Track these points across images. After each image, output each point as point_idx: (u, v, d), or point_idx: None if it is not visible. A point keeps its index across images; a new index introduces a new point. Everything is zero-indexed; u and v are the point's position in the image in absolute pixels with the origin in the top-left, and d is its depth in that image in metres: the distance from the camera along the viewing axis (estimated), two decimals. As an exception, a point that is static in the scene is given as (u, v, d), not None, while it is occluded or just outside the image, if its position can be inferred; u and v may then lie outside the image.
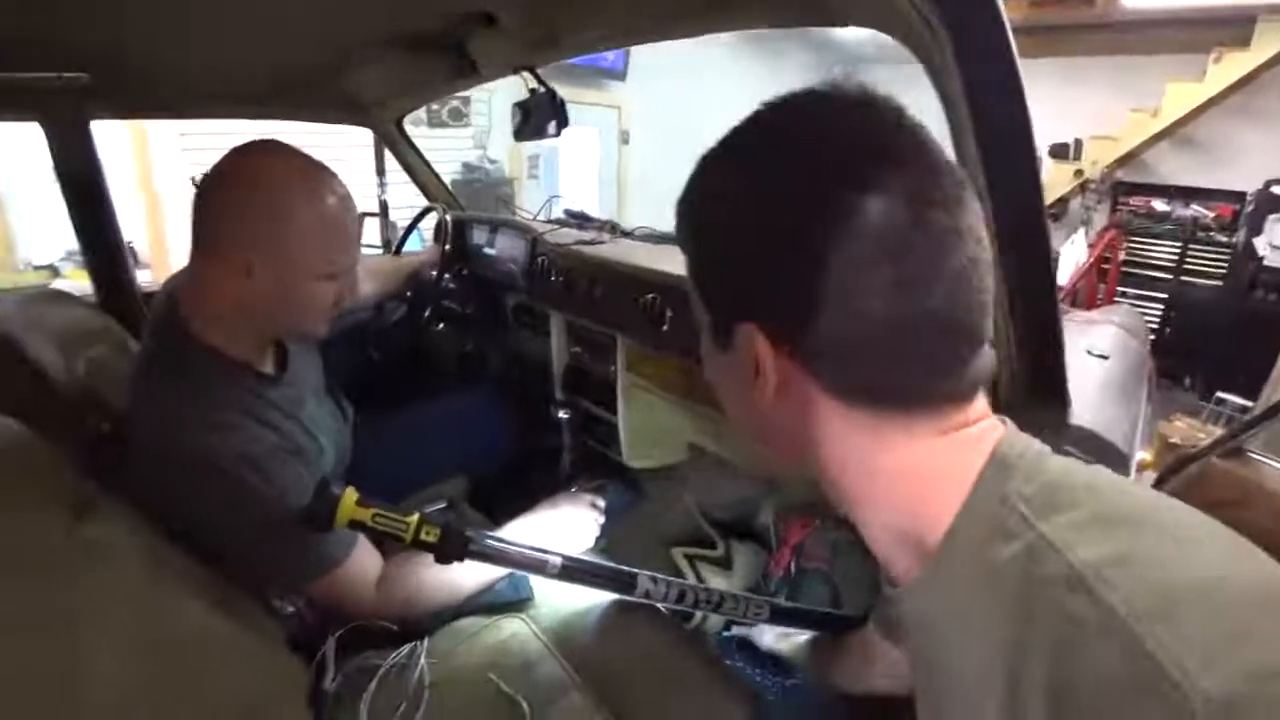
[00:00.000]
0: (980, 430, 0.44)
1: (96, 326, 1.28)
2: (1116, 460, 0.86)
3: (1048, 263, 0.71)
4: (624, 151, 6.60)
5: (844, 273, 0.39)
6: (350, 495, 0.87)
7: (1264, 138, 4.86)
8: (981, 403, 0.45)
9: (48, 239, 3.97)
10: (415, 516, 0.89)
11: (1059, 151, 5.37)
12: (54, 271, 3.93)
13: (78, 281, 3.54)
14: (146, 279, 2.33)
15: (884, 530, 0.46)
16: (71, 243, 3.94)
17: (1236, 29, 4.74)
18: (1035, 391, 0.85)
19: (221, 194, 0.91)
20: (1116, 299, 5.10)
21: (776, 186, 0.41)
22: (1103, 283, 5.03)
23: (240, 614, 0.89)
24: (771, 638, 1.14)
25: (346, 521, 0.87)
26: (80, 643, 0.64)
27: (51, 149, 1.45)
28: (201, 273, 0.94)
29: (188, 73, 1.36)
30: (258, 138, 0.94)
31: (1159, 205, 5.26)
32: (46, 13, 0.90)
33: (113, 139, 1.39)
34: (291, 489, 0.90)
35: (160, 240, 4.11)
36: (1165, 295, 5.15)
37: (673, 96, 6.11)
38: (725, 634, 1.29)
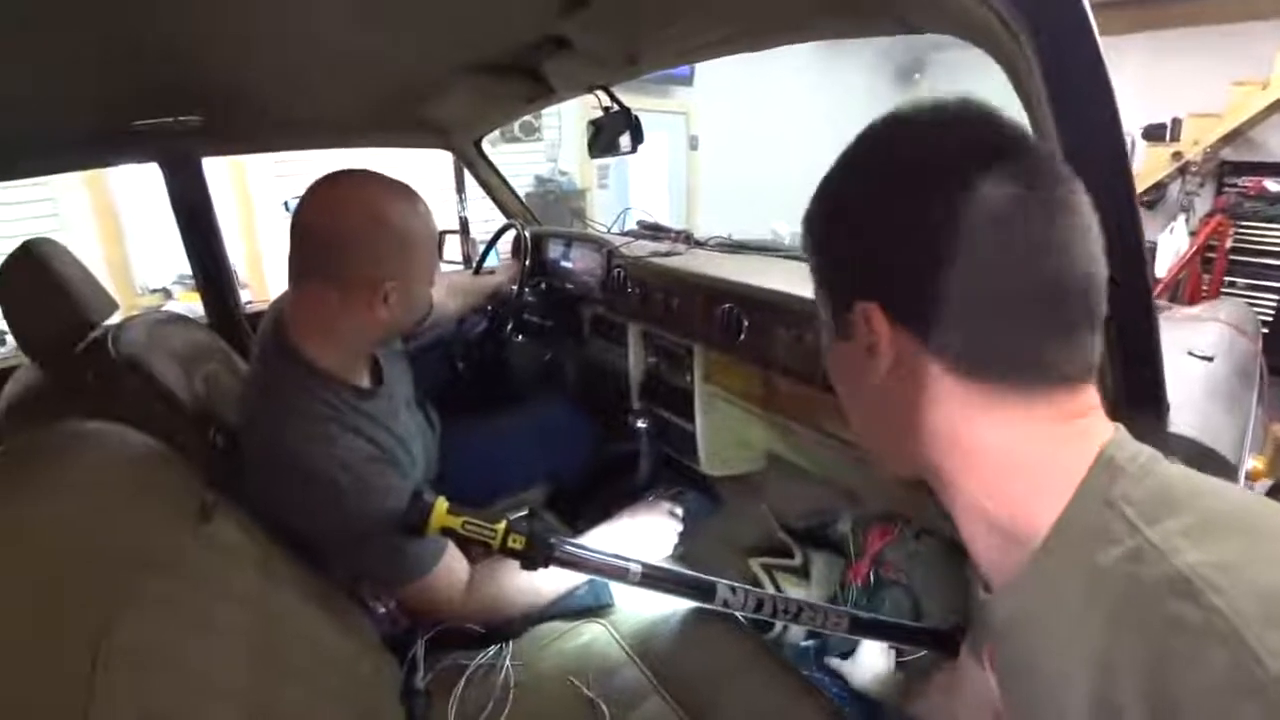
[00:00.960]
0: (1089, 424, 0.44)
1: (209, 346, 1.38)
2: (1223, 468, 0.82)
3: (1141, 261, 0.68)
4: (692, 157, 6.61)
5: (960, 242, 0.41)
6: (442, 504, 0.92)
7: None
8: (1093, 394, 0.45)
9: (160, 264, 4.31)
10: (503, 524, 0.93)
11: (1154, 133, 4.92)
12: (166, 294, 4.25)
13: (188, 302, 3.83)
14: (245, 298, 2.51)
15: (980, 524, 0.46)
16: (181, 267, 4.28)
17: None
18: (1131, 398, 0.81)
19: (338, 225, 0.94)
20: (1224, 291, 4.70)
21: (893, 172, 0.45)
22: (1208, 274, 4.65)
23: (340, 614, 0.95)
24: (863, 676, 1.12)
25: (439, 529, 0.92)
26: (204, 633, 0.70)
27: (168, 186, 1.58)
28: (320, 299, 0.97)
29: (288, 109, 1.47)
30: (343, 167, 1.00)
31: (1271, 185, 4.74)
32: (166, 64, 0.99)
33: (213, 166, 1.52)
34: (387, 495, 0.96)
35: (257, 262, 4.39)
36: (1280, 285, 4.68)
37: (739, 100, 6.09)
38: (804, 644, 1.28)
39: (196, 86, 1.17)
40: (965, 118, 0.44)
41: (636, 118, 1.34)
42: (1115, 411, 0.79)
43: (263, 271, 4.35)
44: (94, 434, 0.79)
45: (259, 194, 4.40)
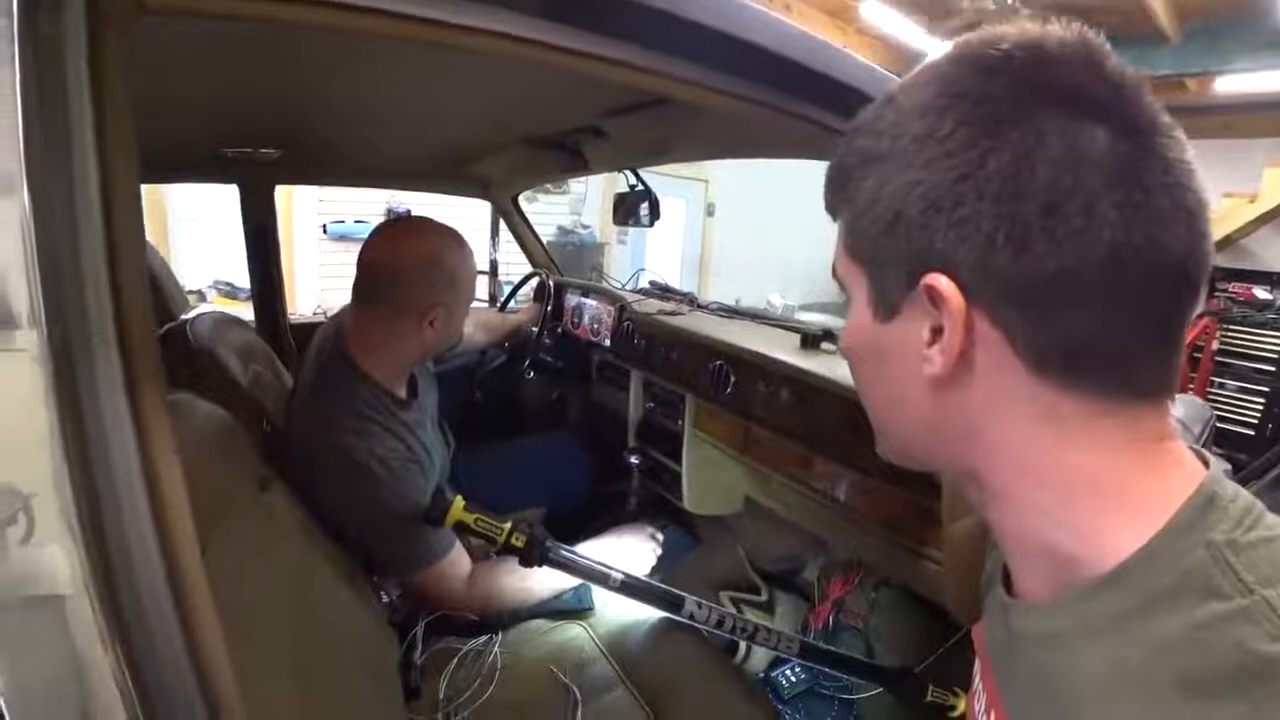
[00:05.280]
0: (1177, 452, 0.38)
1: (259, 348, 1.55)
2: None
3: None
4: (708, 223, 6.89)
5: (1055, 195, 0.34)
6: (459, 501, 1.10)
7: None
8: (1173, 421, 0.39)
9: (199, 269, 4.53)
10: (508, 524, 1.10)
11: None
12: (201, 297, 4.45)
13: (222, 306, 4.04)
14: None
15: (1030, 539, 0.40)
16: (217, 273, 4.51)
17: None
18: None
19: (400, 260, 1.14)
20: (1210, 392, 4.90)
21: (971, 108, 0.36)
22: (1194, 372, 4.85)
23: (359, 592, 1.11)
24: None
25: (454, 521, 1.09)
26: (267, 564, 0.86)
27: (242, 206, 1.79)
28: (379, 323, 1.17)
29: (355, 152, 1.68)
30: (400, 213, 1.20)
31: (1260, 293, 4.99)
32: (259, 105, 1.17)
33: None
34: (413, 490, 1.13)
35: (291, 275, 4.64)
36: (1267, 389, 4.86)
37: (758, 174, 6.36)
38: (761, 676, 1.41)
39: (280, 125, 1.36)
40: (1063, 55, 0.36)
41: (656, 196, 1.56)
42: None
43: (294, 285, 4.59)
44: (187, 402, 0.96)
45: (301, 217, 4.66)
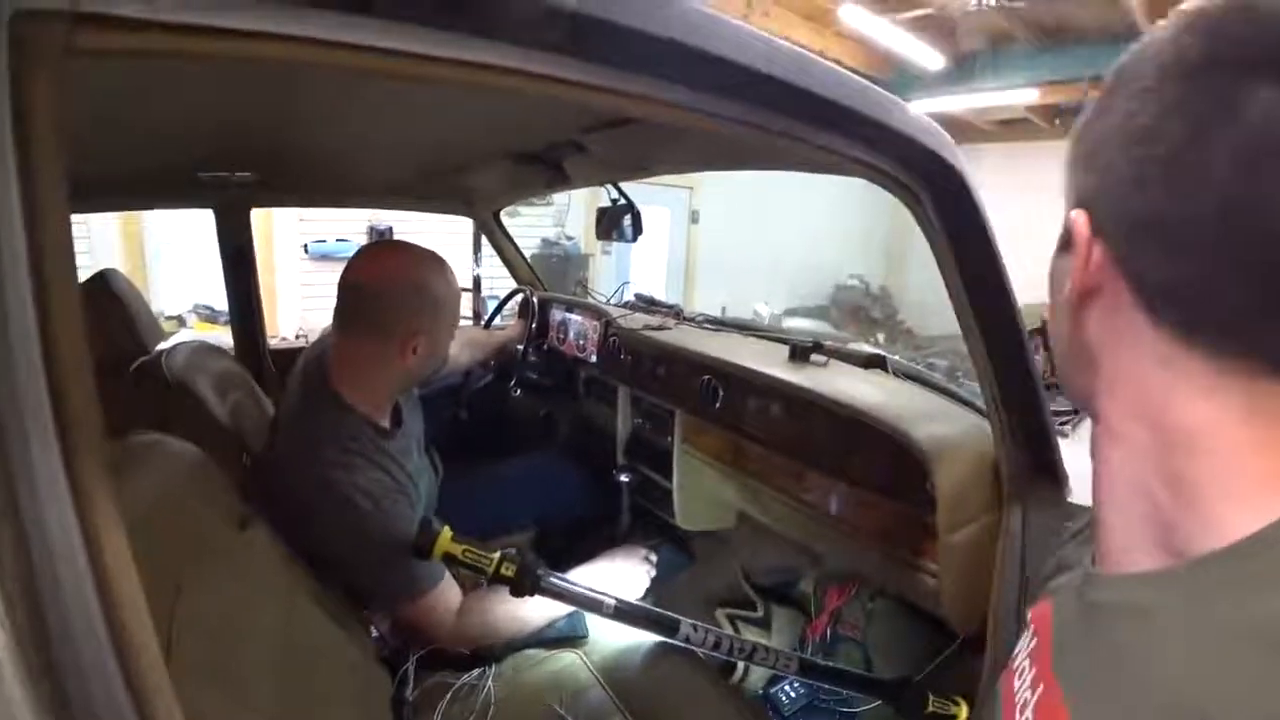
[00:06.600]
0: None
1: (238, 376, 1.52)
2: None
3: (1029, 368, 0.85)
4: (693, 231, 6.90)
5: (1178, 140, 0.34)
6: (447, 532, 1.07)
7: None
8: None
9: (177, 293, 4.48)
10: (497, 554, 1.07)
11: None
12: (180, 322, 4.41)
13: (201, 331, 4.00)
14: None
15: (1132, 497, 0.39)
16: (197, 298, 4.47)
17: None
18: (1034, 472, 0.97)
19: (383, 287, 1.12)
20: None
21: (1128, 67, 0.39)
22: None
23: (346, 626, 1.07)
24: None
25: (442, 553, 1.06)
26: (243, 614, 0.83)
27: (219, 230, 1.76)
28: (362, 350, 1.15)
29: (334, 173, 1.66)
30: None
31: None
32: (234, 130, 1.15)
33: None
34: (400, 522, 1.10)
35: (273, 296, 4.58)
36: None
37: (742, 180, 6.40)
38: (760, 694, 1.39)
39: (255, 147, 1.33)
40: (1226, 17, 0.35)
41: (638, 211, 1.54)
42: (1017, 485, 0.96)
43: (276, 306, 4.54)
44: (159, 443, 0.93)
45: (281, 236, 4.62)
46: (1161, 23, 0.38)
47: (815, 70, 0.58)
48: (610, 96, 0.51)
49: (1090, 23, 4.58)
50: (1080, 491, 1.02)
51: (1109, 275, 0.39)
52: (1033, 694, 0.44)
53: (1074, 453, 1.06)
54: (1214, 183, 0.33)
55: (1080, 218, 0.39)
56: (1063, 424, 1.55)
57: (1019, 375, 0.85)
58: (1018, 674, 0.48)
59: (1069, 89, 6.39)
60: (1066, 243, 0.42)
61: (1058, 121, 7.75)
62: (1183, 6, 0.37)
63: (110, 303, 1.31)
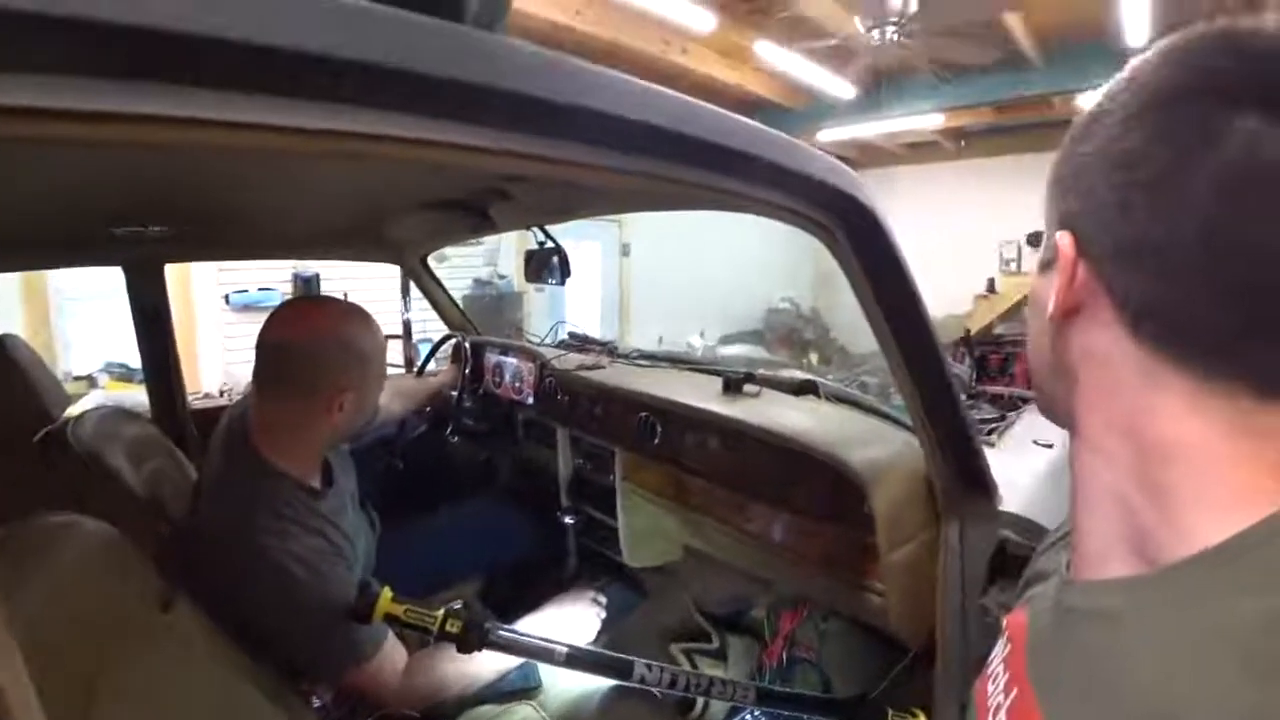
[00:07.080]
0: None
1: (154, 440, 1.45)
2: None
3: (949, 385, 0.90)
4: (624, 263, 6.98)
5: (1160, 166, 0.36)
6: (386, 593, 1.03)
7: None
8: None
9: (87, 352, 4.23)
10: (441, 611, 1.04)
11: (1036, 239, 5.72)
12: (92, 382, 4.15)
13: (115, 391, 3.77)
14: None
15: (1109, 505, 0.41)
16: (109, 355, 4.22)
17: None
18: (965, 485, 1.02)
19: (305, 345, 1.09)
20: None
21: (1113, 95, 0.40)
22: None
23: (284, 702, 1.02)
24: None
25: (383, 615, 1.02)
26: (172, 703, 0.79)
27: (129, 288, 1.67)
28: (286, 411, 1.11)
29: (252, 225, 1.60)
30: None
31: None
32: (144, 184, 1.09)
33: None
34: (337, 586, 1.06)
35: (194, 350, 4.38)
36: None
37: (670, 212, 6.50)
38: (722, 725, 1.38)
39: (170, 201, 1.26)
40: (1202, 46, 0.38)
41: (565, 253, 1.55)
42: (951, 499, 1.00)
43: (197, 361, 4.35)
44: (68, 524, 0.88)
45: (200, 287, 4.45)
46: (1145, 54, 0.40)
47: (709, 120, 0.58)
48: (511, 160, 0.50)
49: (981, 56, 4.90)
50: (1010, 499, 1.07)
51: (1092, 294, 0.40)
52: (1005, 698, 0.45)
53: (1002, 461, 1.11)
54: (1196, 208, 0.34)
55: (1065, 239, 0.41)
56: (989, 433, 1.62)
57: (940, 393, 0.89)
58: (991, 679, 0.49)
59: (972, 113, 6.83)
60: (1049, 263, 0.44)
61: (963, 143, 8.26)
62: (1163, 39, 0.40)
63: (10, 370, 1.23)
